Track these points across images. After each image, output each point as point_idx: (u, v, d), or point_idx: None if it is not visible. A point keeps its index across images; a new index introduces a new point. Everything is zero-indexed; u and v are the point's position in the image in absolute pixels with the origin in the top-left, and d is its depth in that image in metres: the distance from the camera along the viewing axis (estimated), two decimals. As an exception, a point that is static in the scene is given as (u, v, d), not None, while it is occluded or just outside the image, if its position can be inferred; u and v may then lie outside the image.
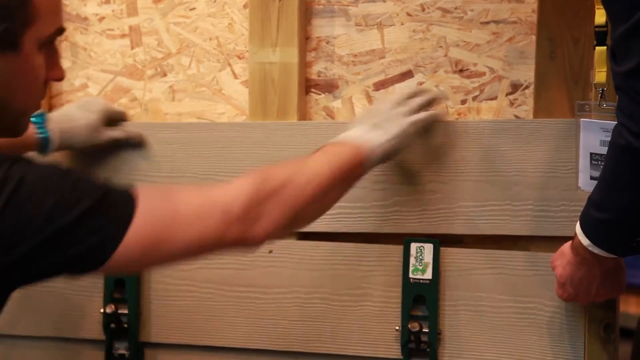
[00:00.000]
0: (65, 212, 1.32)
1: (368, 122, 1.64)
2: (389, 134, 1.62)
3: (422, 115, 1.67)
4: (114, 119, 1.85)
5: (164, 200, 1.40)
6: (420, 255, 1.75)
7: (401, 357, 1.76)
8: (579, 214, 1.62)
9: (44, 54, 1.40)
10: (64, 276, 1.38)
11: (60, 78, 1.46)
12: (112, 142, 1.84)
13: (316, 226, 1.78)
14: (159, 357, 1.88)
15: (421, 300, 1.75)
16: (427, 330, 1.74)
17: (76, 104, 1.85)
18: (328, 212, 1.76)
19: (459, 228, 1.75)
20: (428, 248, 1.74)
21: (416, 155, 1.75)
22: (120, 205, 1.36)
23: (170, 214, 1.39)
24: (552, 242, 1.70)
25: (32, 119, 1.74)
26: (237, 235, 1.42)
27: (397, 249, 1.77)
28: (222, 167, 1.83)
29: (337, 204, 1.75)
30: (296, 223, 1.51)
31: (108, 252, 1.35)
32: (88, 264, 1.35)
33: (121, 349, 1.87)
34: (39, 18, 1.36)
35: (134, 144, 1.85)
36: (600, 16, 1.54)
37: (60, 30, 1.42)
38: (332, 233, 1.80)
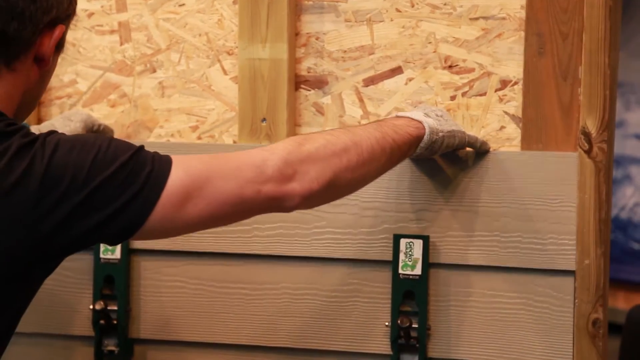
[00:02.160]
0: (105, 166, 1.34)
1: (421, 111, 1.64)
2: (442, 126, 1.62)
3: (472, 134, 1.70)
4: (97, 131, 1.84)
5: (199, 157, 1.42)
6: (410, 251, 1.75)
7: (391, 352, 1.76)
8: (567, 247, 1.67)
9: None
10: (107, 240, 1.38)
11: None
12: None
13: (304, 251, 1.79)
14: (149, 353, 1.88)
15: (411, 296, 1.75)
16: (416, 326, 1.74)
17: (59, 115, 1.87)
18: (316, 237, 1.77)
19: (447, 257, 1.75)
20: (417, 244, 1.75)
21: (406, 183, 1.76)
22: (157, 158, 1.39)
23: (206, 165, 1.40)
24: (540, 274, 1.71)
25: None
26: (273, 190, 1.41)
27: (387, 245, 1.77)
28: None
29: (326, 229, 1.76)
30: (335, 188, 1.48)
31: (151, 202, 1.35)
32: (132, 218, 1.35)
33: (111, 345, 1.87)
34: (70, 23, 1.50)
35: None
36: None
37: None
38: (319, 258, 1.80)
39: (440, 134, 1.61)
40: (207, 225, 1.43)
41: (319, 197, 1.46)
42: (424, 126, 1.59)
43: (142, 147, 1.39)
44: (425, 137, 1.59)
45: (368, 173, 1.52)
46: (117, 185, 1.34)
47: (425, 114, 1.63)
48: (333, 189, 1.47)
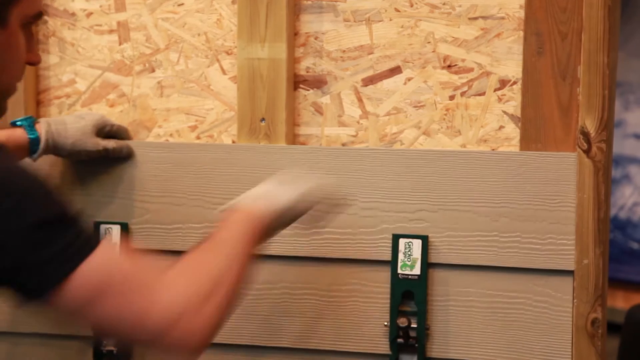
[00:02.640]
0: (26, 216, 1.27)
1: (273, 184, 1.58)
2: (286, 195, 1.55)
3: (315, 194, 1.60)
4: (109, 131, 1.83)
5: (123, 259, 1.35)
6: (409, 251, 1.75)
7: (390, 352, 1.76)
8: (566, 247, 1.68)
9: (24, 35, 1.44)
10: (12, 296, 1.32)
11: (38, 62, 1.50)
12: (102, 153, 1.81)
13: (303, 250, 1.79)
14: (148, 353, 1.88)
15: (410, 295, 1.75)
16: (415, 326, 1.74)
17: (71, 114, 1.86)
18: (315, 237, 1.77)
19: (446, 257, 1.75)
20: (417, 244, 1.75)
21: (405, 183, 1.76)
22: (84, 236, 1.32)
23: (122, 272, 1.33)
24: (539, 274, 1.71)
25: (20, 122, 1.74)
26: (177, 338, 1.34)
27: (386, 245, 1.77)
28: (210, 189, 1.82)
29: (325, 229, 1.76)
30: (224, 319, 1.42)
31: (59, 274, 1.29)
32: (37, 283, 1.29)
33: (110, 345, 1.86)
34: None
35: (123, 154, 1.85)
36: None
37: (40, 14, 1.47)
38: (318, 258, 1.80)
39: (274, 213, 1.53)
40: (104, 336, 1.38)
41: (219, 330, 1.40)
42: (255, 222, 1.51)
43: (77, 218, 1.32)
44: (261, 230, 1.52)
45: (243, 287, 1.47)
46: (20, 246, 1.27)
47: (279, 181, 1.57)
48: (223, 320, 1.41)
